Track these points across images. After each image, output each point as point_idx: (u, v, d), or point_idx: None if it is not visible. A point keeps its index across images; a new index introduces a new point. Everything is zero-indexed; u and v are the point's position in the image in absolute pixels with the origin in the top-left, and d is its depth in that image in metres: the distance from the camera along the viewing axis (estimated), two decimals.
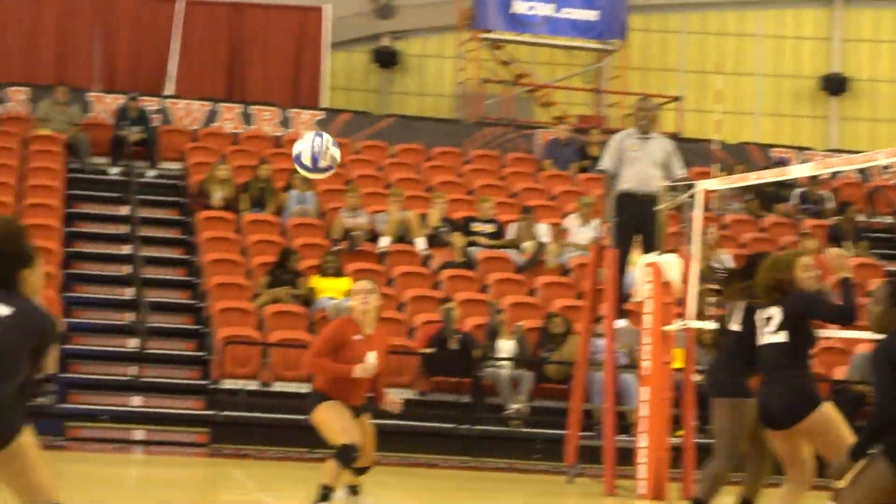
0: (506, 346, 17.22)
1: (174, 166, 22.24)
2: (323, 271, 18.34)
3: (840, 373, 18.01)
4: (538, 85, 26.74)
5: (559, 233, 20.13)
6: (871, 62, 27.87)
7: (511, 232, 20.05)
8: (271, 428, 16.40)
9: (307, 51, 25.53)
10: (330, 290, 18.08)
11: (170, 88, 24.07)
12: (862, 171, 23.81)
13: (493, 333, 17.31)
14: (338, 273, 18.37)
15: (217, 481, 13.56)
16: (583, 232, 19.78)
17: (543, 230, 20.10)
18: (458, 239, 19.60)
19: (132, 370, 17.44)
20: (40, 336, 5.51)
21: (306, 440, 15.80)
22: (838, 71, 27.75)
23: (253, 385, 16.86)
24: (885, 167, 24.39)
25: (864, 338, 18.25)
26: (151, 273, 19.16)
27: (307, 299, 18.11)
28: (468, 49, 26.11)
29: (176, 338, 18.25)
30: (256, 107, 23.66)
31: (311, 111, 23.87)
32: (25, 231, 5.75)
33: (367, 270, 18.75)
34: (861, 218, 22.59)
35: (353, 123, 23.74)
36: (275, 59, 25.42)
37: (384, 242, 19.57)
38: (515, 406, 16.82)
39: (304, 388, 16.76)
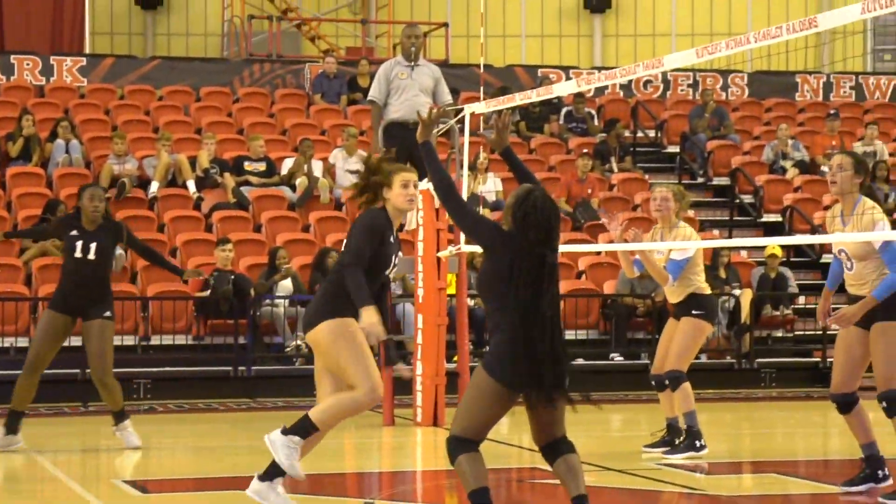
0: (283, 285, 17.11)
1: None
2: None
3: (609, 287, 18.35)
4: (305, 19, 26.53)
5: (331, 167, 20.05)
6: None
7: (283, 169, 19.89)
8: (44, 385, 16.01)
9: None
10: None
11: None
12: (625, 87, 24.22)
13: (269, 273, 17.18)
14: None
15: None
16: (349, 164, 19.74)
17: (316, 165, 19.99)
18: (229, 179, 19.38)
19: None
20: None
21: (83, 396, 15.63)
22: None
23: (23, 342, 16.43)
24: (647, 82, 24.84)
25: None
26: None
27: None
28: None
29: None
30: (16, 56, 22.97)
31: (73, 57, 23.27)
32: None
33: (138, 217, 18.43)
34: (626, 134, 22.99)
35: (117, 68, 23.24)
36: (33, 6, 24.72)
37: (154, 188, 19.24)
38: (294, 344, 16.76)
39: (75, 342, 16.46)
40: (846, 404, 8.90)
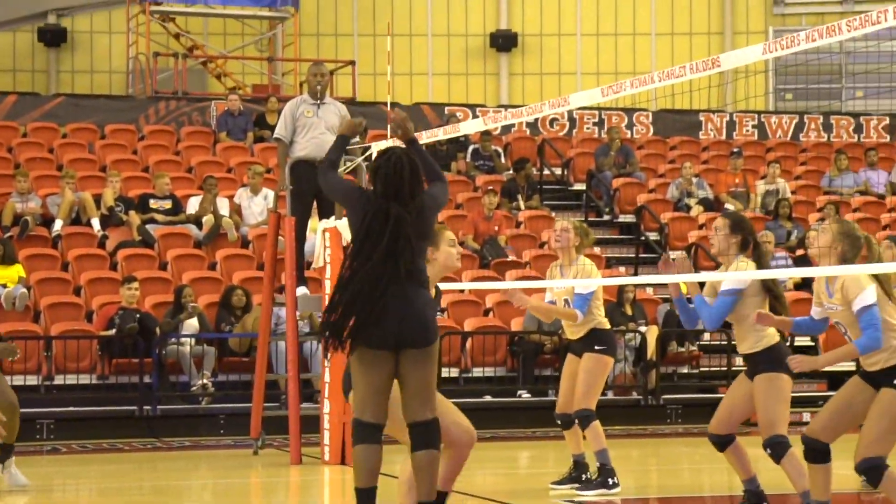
0: (188, 323, 16.97)
1: None
2: None
3: (517, 324, 18.40)
4: (211, 56, 26.45)
5: (237, 206, 19.96)
6: (536, 18, 28.49)
7: (190, 207, 19.77)
8: None
9: None
10: (2, 277, 17.49)
11: None
12: (531, 125, 24.37)
13: (175, 311, 17.04)
14: (11, 260, 17.77)
15: None
16: (254, 202, 19.68)
17: (223, 203, 19.90)
18: (134, 217, 19.23)
19: None
20: None
21: None
22: (506, 28, 28.30)
23: None
24: (553, 120, 25.00)
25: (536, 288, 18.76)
26: None
27: None
28: (138, 23, 25.59)
29: None
30: None
31: None
32: None
33: (41, 255, 18.23)
34: (533, 171, 23.11)
35: (20, 105, 22.99)
36: None
37: (58, 226, 19.04)
38: (200, 382, 16.62)
39: None
40: (721, 444, 9.04)
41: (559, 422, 11.01)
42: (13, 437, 11.23)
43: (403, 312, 6.93)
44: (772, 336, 8.75)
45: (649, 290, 20.17)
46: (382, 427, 7.02)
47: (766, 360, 8.68)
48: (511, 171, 22.92)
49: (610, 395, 17.71)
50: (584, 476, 10.91)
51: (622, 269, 20.90)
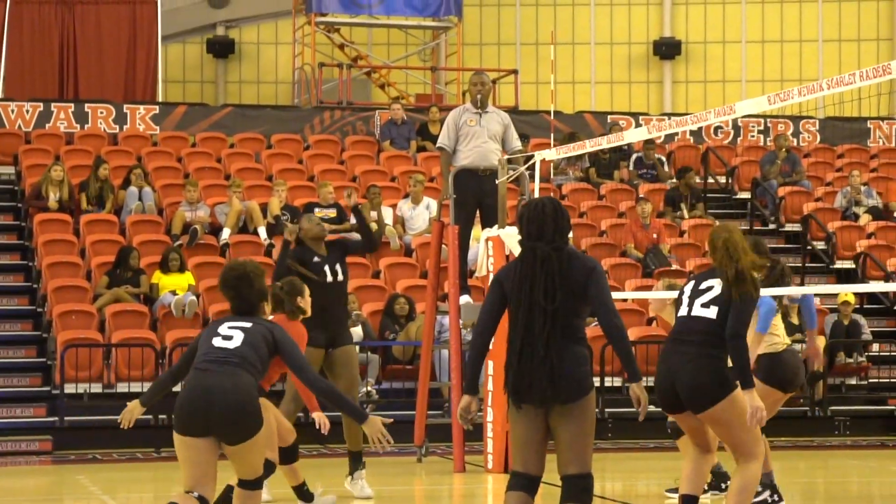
0: (353, 331, 17.11)
1: (7, 170, 21.83)
2: (165, 267, 18.10)
3: None
4: (375, 66, 26.69)
5: (399, 216, 20.12)
6: (700, 25, 28.24)
7: (353, 216, 19.94)
8: (116, 430, 16.13)
9: (140, 45, 25.24)
10: (173, 285, 17.86)
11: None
12: (695, 133, 24.14)
13: None
14: (181, 268, 18.16)
15: (61, 488, 13.30)
16: (416, 211, 19.79)
17: (387, 212, 20.06)
18: None
19: None
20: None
21: (152, 441, 15.72)
22: (670, 35, 28.10)
23: (96, 388, 16.58)
24: (717, 128, 24.75)
25: None
26: None
27: (149, 297, 17.92)
28: (304, 34, 25.95)
29: (16, 345, 17.91)
30: (90, 104, 23.25)
31: (146, 105, 23.54)
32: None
33: (210, 264, 18.55)
34: (697, 180, 22.89)
35: (189, 116, 23.46)
36: (108, 56, 25.06)
37: (225, 234, 19.37)
38: (364, 390, 16.77)
39: (147, 387, 16.55)
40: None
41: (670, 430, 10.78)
42: (357, 442, 11.19)
43: (555, 365, 6.94)
44: None
45: (816, 300, 19.81)
46: (535, 478, 7.06)
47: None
48: (674, 180, 22.74)
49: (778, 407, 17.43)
50: (723, 485, 10.77)
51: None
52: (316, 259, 11.18)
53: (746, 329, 7.86)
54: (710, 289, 7.95)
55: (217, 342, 7.41)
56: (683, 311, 8.03)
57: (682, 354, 7.90)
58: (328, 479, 11.70)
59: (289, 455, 9.98)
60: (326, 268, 11.13)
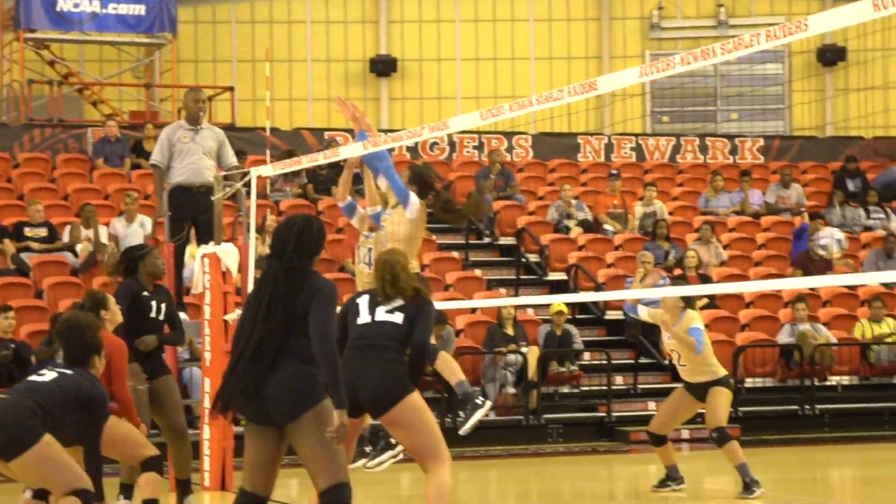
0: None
1: None
2: None
3: None
4: (87, 83, 26.16)
5: (113, 234, 19.74)
6: (416, 43, 28.60)
7: (65, 235, 19.53)
8: None
9: None
10: None
11: None
12: (412, 149, 24.42)
13: (51, 340, 16.77)
14: None
15: None
16: (131, 229, 19.49)
17: (102, 230, 19.67)
18: (8, 245, 18.95)
19: None
20: None
21: None
22: (386, 53, 28.36)
23: None
24: (433, 144, 25.09)
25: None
26: None
27: None
28: (12, 50, 25.26)
29: None
30: None
31: None
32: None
33: None
34: None
35: None
36: None
37: None
38: None
39: None
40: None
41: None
42: (186, 469, 11.19)
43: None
44: None
45: (530, 312, 20.27)
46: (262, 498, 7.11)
47: None
48: None
49: (493, 416, 17.76)
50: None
51: (503, 290, 20.99)
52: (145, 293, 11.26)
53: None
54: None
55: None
56: (366, 319, 8.20)
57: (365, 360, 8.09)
58: None
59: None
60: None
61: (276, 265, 7.05)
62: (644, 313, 12.48)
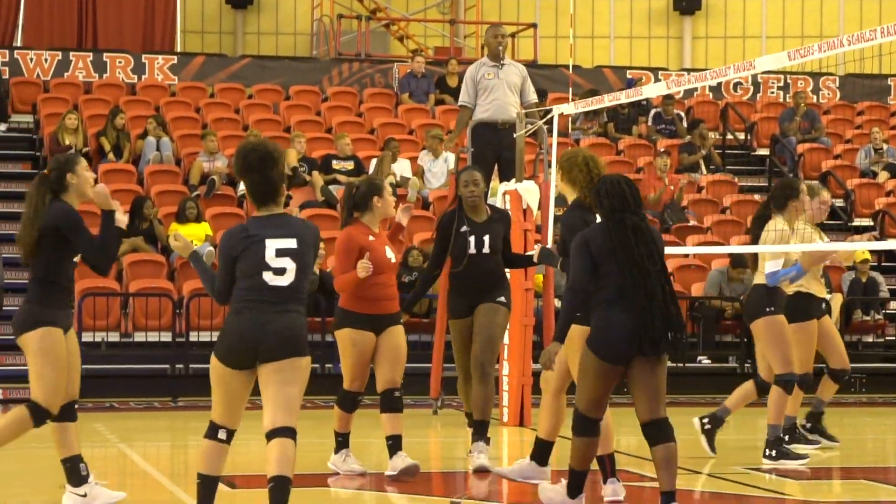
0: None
1: (25, 118, 21.86)
2: (182, 217, 18.12)
3: (697, 289, 18.22)
4: (393, 18, 26.60)
5: (419, 169, 20.09)
6: None
7: (371, 167, 19.95)
8: (133, 379, 16.24)
9: None
10: (189, 235, 17.84)
11: (18, 39, 23.59)
12: (714, 89, 24.04)
13: None
14: (197, 218, 18.18)
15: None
16: (435, 165, 19.75)
17: (404, 165, 20.03)
18: (317, 178, 19.47)
19: None
20: None
21: (170, 389, 15.81)
22: None
23: (113, 336, 16.64)
24: (737, 84, 24.64)
25: (719, 253, 18.54)
26: (5, 229, 18.77)
27: (166, 247, 17.94)
28: None
29: None
30: (109, 54, 23.23)
31: (164, 55, 23.52)
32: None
33: (226, 214, 18.57)
34: (713, 136, 22.77)
35: (207, 66, 23.44)
36: (126, 5, 25.01)
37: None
38: None
39: (165, 337, 16.63)
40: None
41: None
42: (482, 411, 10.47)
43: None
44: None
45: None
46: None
47: None
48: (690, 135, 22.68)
49: None
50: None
51: None
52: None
53: None
54: None
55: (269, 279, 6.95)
56: None
57: None
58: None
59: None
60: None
61: (635, 218, 7.55)
62: None
